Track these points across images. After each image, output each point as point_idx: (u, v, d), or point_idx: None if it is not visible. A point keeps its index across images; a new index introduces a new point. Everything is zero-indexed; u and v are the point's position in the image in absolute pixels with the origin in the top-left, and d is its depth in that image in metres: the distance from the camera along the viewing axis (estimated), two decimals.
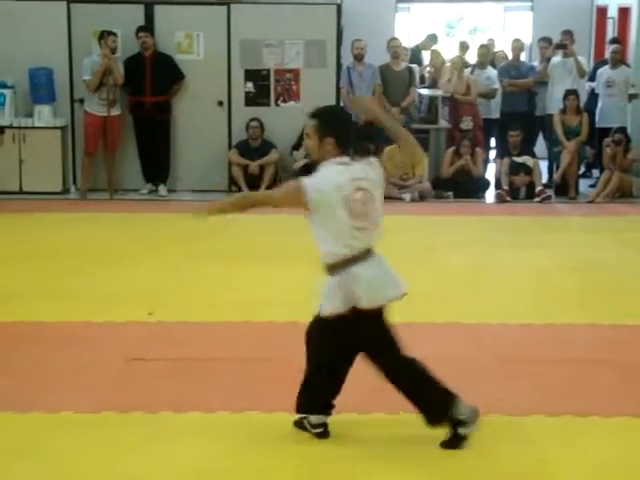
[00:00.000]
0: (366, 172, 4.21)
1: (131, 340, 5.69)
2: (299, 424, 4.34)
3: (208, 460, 4.03)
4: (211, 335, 5.80)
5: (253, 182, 11.04)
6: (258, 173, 11.07)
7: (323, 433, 4.25)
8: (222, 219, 10.18)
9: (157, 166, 11.29)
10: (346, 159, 4.20)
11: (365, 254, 4.17)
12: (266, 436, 4.28)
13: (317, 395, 4.30)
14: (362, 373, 5.07)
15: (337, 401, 4.56)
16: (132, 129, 11.27)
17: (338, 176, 4.14)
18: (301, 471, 3.94)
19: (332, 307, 4.09)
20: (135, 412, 4.54)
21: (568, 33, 11.94)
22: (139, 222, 9.68)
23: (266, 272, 7.40)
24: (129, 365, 5.26)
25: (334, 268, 4.11)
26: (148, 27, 11.11)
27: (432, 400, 4.12)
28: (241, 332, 5.87)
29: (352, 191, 4.11)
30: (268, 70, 11.37)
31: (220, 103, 11.39)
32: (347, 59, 11.82)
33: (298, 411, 4.32)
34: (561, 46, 11.82)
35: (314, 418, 4.28)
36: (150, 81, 10.99)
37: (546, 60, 12.06)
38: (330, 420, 4.42)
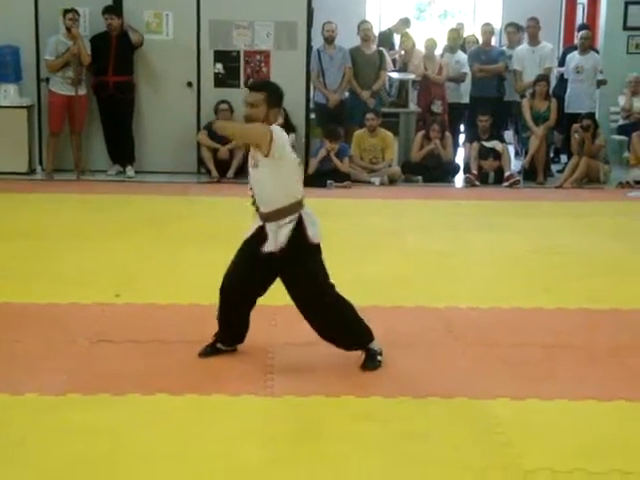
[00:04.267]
0: None
1: (98, 322, 5.65)
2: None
3: (175, 442, 4.01)
4: (179, 317, 5.77)
5: (222, 165, 11.00)
6: (228, 157, 11.02)
7: None
8: (191, 201, 10.13)
9: (122, 147, 11.21)
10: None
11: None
12: (233, 419, 4.27)
13: None
14: (332, 357, 5.09)
15: (306, 383, 4.58)
16: (97, 109, 11.17)
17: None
18: (268, 453, 3.93)
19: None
20: (102, 394, 4.50)
21: (534, 19, 11.97)
22: (107, 203, 9.60)
23: (232, 255, 7.36)
24: (96, 347, 5.22)
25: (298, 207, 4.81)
26: (116, 6, 10.99)
27: None
28: (210, 315, 5.82)
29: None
30: (238, 51, 11.30)
31: (189, 84, 11.32)
32: (317, 42, 11.77)
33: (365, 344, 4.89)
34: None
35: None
36: (114, 61, 10.87)
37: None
38: (298, 402, 4.44)
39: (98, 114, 11.15)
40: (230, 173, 11.01)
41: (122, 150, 11.24)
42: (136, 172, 11.18)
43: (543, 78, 11.45)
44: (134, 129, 11.24)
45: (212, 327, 5.57)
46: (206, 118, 11.24)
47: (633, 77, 12.34)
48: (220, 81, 11.32)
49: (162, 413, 4.33)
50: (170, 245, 7.64)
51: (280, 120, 12.25)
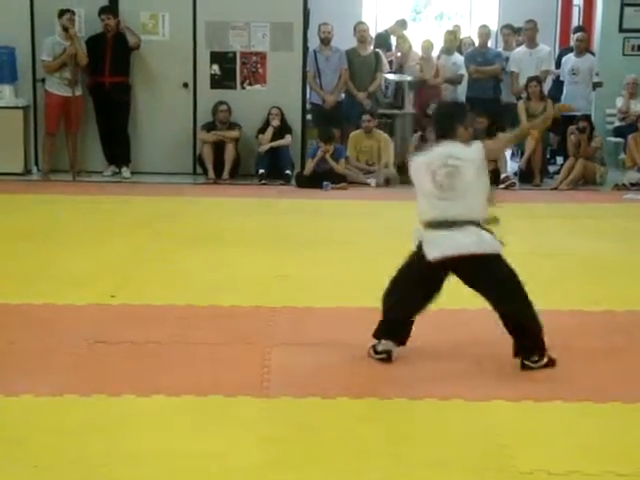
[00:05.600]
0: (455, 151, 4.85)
1: (94, 323, 5.63)
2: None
3: (171, 444, 4.00)
4: (175, 318, 5.76)
5: (219, 164, 11.01)
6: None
7: None
8: (187, 202, 10.11)
9: (118, 148, 11.21)
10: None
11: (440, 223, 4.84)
12: (229, 420, 4.27)
13: None
14: (328, 358, 5.09)
15: (302, 384, 4.59)
16: (94, 110, 11.17)
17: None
18: (264, 454, 3.93)
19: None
20: (97, 395, 4.49)
21: (531, 22, 11.99)
22: (102, 204, 9.60)
23: (232, 255, 7.38)
24: (92, 348, 5.20)
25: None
26: (112, 7, 11.00)
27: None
28: (206, 315, 5.84)
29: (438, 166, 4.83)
30: (234, 52, 11.30)
31: (185, 85, 11.32)
32: (314, 43, 11.78)
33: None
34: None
35: None
36: (110, 62, 10.88)
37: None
38: (295, 403, 4.44)
39: (94, 115, 11.15)
40: (225, 174, 11.01)
41: (118, 151, 11.24)
42: (132, 173, 11.19)
43: (533, 79, 11.46)
44: (130, 130, 11.24)
45: (208, 327, 5.58)
46: (202, 119, 11.25)
47: (631, 79, 12.36)
48: (216, 82, 11.33)
49: (158, 414, 4.32)
50: (166, 246, 7.64)
51: (277, 122, 12.21)
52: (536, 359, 4.91)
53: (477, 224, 4.89)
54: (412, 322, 5.07)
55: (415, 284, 4.98)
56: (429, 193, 4.90)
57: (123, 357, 5.08)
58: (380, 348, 5.02)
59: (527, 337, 4.93)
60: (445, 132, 4.97)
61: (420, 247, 4.92)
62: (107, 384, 4.65)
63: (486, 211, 4.94)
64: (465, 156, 4.84)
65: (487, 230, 4.92)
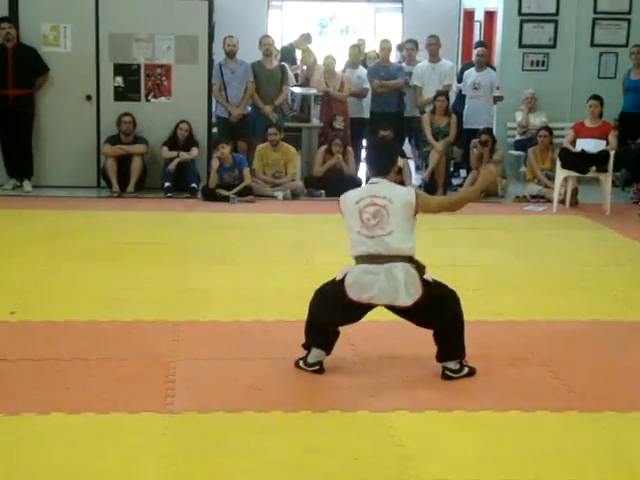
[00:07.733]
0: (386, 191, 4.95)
1: None
2: None
3: (70, 463, 3.94)
4: (77, 334, 5.67)
5: (123, 177, 10.88)
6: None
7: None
8: (90, 216, 9.93)
9: (20, 161, 10.98)
10: (376, 180, 5.06)
11: (371, 258, 4.88)
12: (131, 437, 4.21)
13: None
14: (233, 372, 5.07)
15: (207, 399, 4.57)
16: None
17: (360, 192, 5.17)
18: (166, 471, 3.89)
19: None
20: None
21: (434, 37, 12.19)
22: (2, 218, 9.38)
23: (136, 269, 7.30)
24: None
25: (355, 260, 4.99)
26: (12, 18, 10.78)
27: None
28: (108, 331, 5.76)
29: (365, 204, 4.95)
30: (138, 65, 11.20)
31: (88, 97, 11.16)
32: (219, 56, 11.76)
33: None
34: None
35: None
36: (12, 74, 10.66)
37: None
38: (199, 419, 4.41)
39: None
40: (130, 187, 10.89)
41: (19, 164, 11.01)
42: (34, 187, 10.98)
43: (442, 93, 11.67)
44: (32, 143, 11.02)
45: (109, 343, 5.50)
46: (106, 132, 11.10)
47: (529, 93, 12.67)
48: (120, 94, 11.20)
49: (58, 432, 4.24)
50: (68, 261, 7.50)
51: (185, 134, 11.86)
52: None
53: (406, 260, 4.88)
54: (337, 332, 5.13)
55: (336, 308, 5.01)
56: (357, 230, 4.98)
57: (22, 375, 4.97)
58: (311, 360, 5.07)
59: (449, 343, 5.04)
60: (381, 170, 5.09)
61: (343, 280, 4.93)
62: (5, 402, 4.55)
63: (414, 248, 4.94)
64: (393, 196, 4.94)
65: (417, 265, 4.91)
